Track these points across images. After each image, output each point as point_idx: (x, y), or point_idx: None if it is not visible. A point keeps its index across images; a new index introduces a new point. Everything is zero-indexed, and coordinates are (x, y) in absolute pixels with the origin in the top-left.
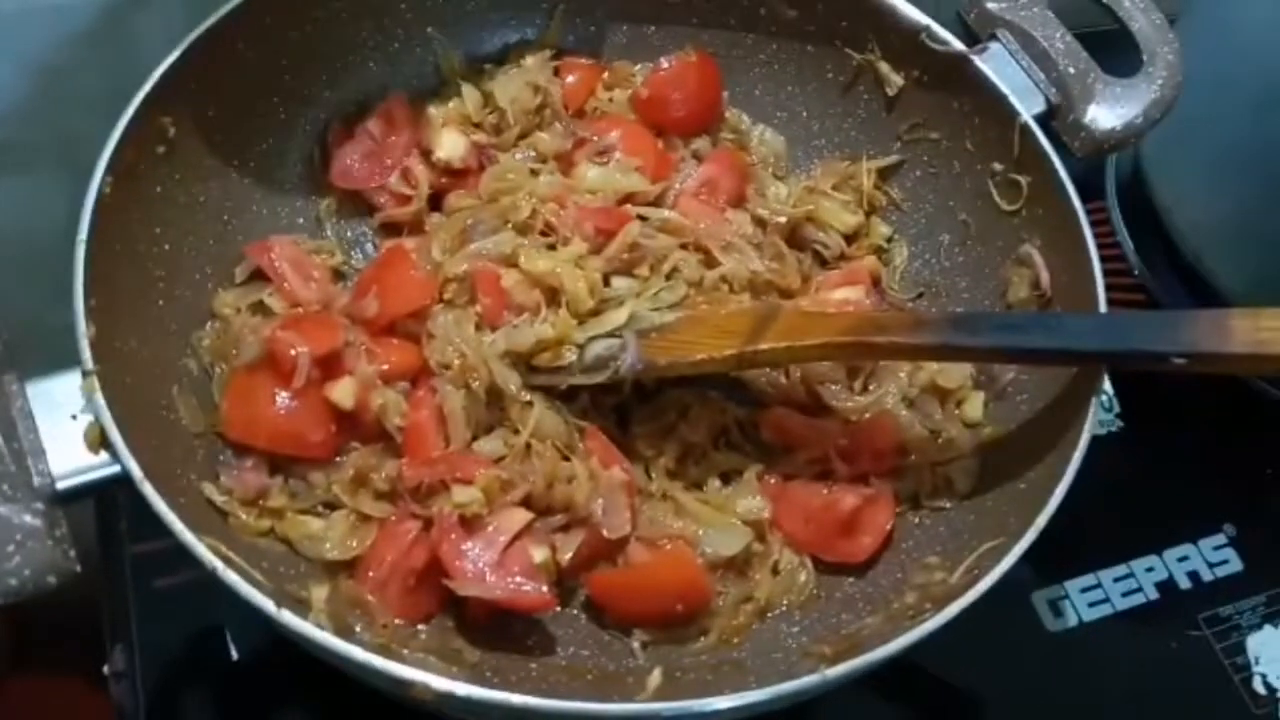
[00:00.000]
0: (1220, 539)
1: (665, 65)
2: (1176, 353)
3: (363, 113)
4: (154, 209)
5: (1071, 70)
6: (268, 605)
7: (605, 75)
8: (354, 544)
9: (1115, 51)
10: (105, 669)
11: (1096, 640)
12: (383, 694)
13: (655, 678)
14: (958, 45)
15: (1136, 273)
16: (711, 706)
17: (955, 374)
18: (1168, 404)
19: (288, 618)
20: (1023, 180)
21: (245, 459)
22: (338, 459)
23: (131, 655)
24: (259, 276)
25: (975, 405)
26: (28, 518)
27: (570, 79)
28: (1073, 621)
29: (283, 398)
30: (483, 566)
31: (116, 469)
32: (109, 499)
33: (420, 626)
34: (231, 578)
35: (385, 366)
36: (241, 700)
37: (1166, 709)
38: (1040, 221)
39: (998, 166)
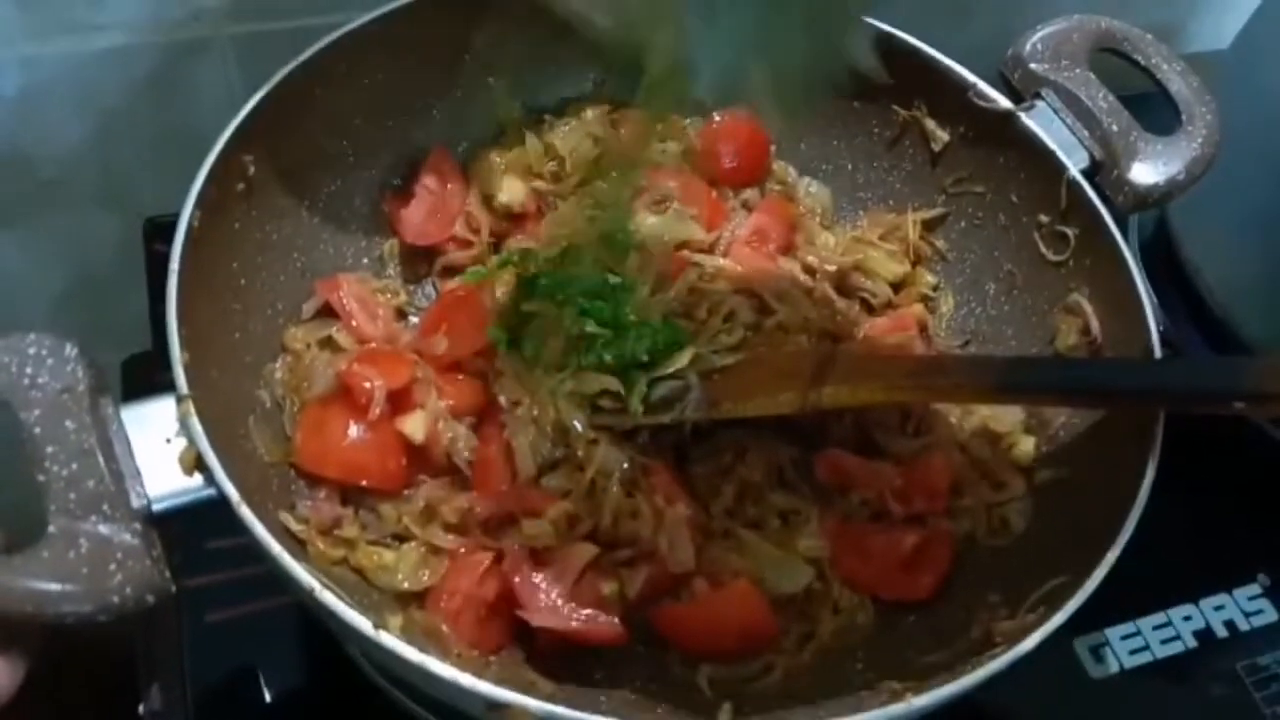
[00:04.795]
0: (1255, 589)
1: (717, 119)
2: (1241, 394)
3: (414, 166)
4: (232, 244)
5: (1115, 128)
6: (365, 626)
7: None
8: (425, 575)
9: (1144, 114)
10: (140, 708)
11: (1138, 687)
12: None
13: (726, 711)
14: (1005, 102)
15: (1162, 329)
16: None
17: (1006, 418)
18: (1202, 456)
19: (385, 638)
20: (1070, 232)
21: (318, 490)
22: (406, 492)
23: (183, 692)
24: (326, 313)
25: (1027, 448)
26: (127, 537)
27: (625, 131)
28: (1114, 669)
29: (355, 430)
30: (555, 598)
31: (211, 491)
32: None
33: (491, 658)
34: (328, 599)
35: (452, 402)
36: None
37: None
38: (1088, 271)
39: (1043, 218)
